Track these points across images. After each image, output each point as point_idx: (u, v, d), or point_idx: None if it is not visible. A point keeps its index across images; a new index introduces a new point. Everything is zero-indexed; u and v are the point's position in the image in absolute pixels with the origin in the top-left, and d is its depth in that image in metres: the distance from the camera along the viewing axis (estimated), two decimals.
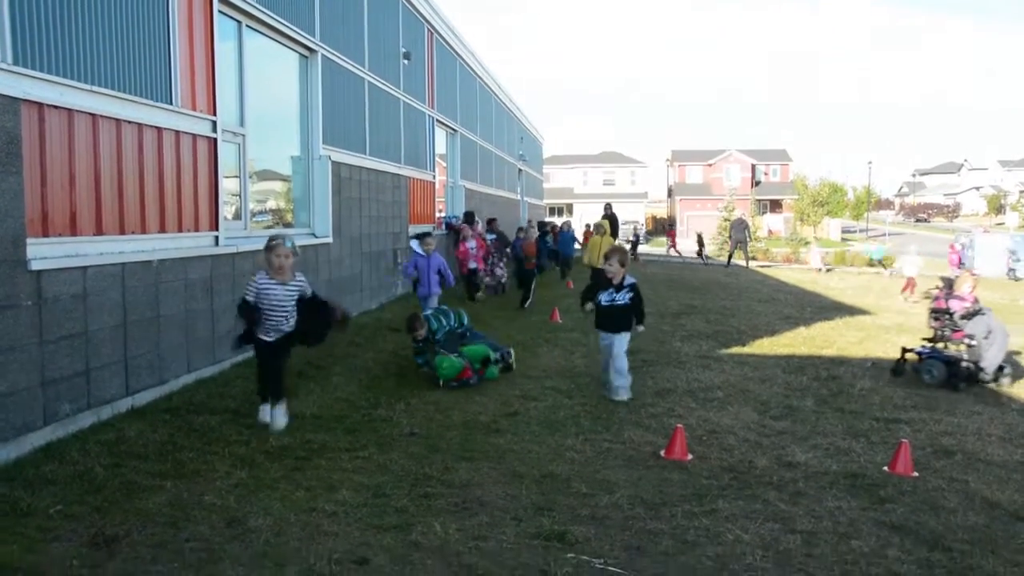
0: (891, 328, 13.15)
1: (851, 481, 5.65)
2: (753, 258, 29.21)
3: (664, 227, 75.54)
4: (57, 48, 5.89)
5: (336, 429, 6.50)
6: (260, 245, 9.17)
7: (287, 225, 11.17)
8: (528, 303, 14.78)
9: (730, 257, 29.28)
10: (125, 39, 6.74)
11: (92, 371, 6.29)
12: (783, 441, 6.60)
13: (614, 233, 23.22)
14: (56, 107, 5.87)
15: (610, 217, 22.93)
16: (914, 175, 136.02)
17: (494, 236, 17.69)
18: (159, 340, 7.20)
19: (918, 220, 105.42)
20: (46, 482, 5.03)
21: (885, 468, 5.92)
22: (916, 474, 5.82)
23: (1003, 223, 77.98)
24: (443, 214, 19.88)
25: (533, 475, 5.57)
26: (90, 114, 6.25)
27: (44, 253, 5.74)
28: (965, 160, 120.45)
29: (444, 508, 4.91)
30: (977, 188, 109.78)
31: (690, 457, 6.06)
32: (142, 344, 6.95)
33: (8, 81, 5.38)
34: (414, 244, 12.11)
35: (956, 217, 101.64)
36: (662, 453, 6.12)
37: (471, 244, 15.94)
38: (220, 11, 8.39)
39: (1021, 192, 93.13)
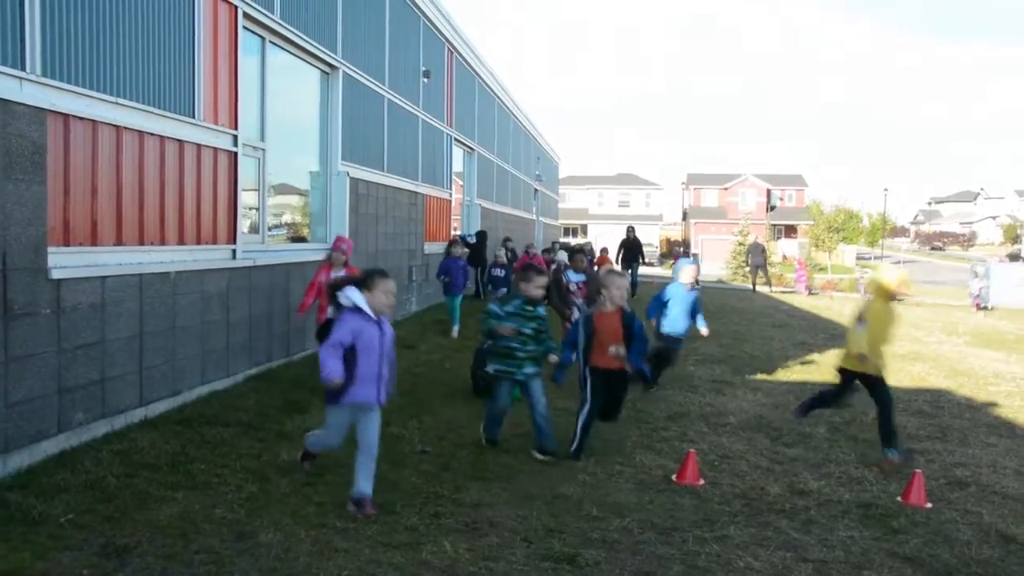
0: (905, 356, 13.07)
1: (864, 510, 5.61)
2: (767, 283, 28.93)
3: (675, 249, 75.49)
4: (84, 60, 5.98)
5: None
6: (277, 259, 9.29)
7: (301, 239, 11.23)
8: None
9: (754, 283, 29.00)
10: (151, 53, 6.83)
11: (107, 380, 6.32)
12: (795, 468, 6.56)
13: (638, 257, 22.90)
14: (81, 118, 5.94)
15: (632, 240, 22.64)
16: (930, 203, 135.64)
17: (582, 278, 11.10)
18: (174, 351, 7.24)
19: (933, 248, 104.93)
20: (58, 490, 5.05)
21: (898, 498, 5.87)
22: (930, 505, 5.77)
23: (1019, 253, 77.44)
24: (458, 232, 19.93)
25: (544, 496, 5.56)
26: (114, 126, 6.32)
27: (64, 262, 5.79)
28: (981, 189, 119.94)
29: (454, 527, 4.90)
30: (993, 217, 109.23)
31: (702, 482, 6.03)
32: (157, 355, 6.99)
33: (36, 92, 5.46)
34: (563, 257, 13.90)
35: (972, 246, 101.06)
36: (674, 477, 6.09)
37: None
38: (245, 27, 8.49)
39: None
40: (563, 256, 15.10)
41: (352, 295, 5.13)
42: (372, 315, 5.13)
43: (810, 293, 28.70)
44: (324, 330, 5.40)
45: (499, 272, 15.62)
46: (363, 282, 5.20)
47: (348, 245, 9.10)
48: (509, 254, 17.02)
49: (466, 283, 13.44)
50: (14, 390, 5.38)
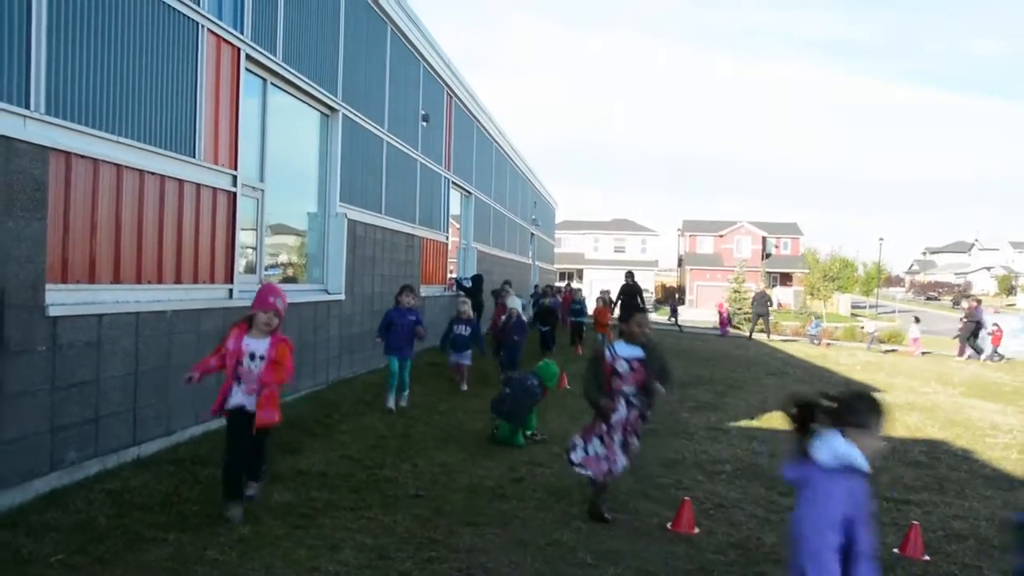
0: (902, 406, 13.04)
1: None
2: (762, 331, 29.10)
3: (672, 296, 75.68)
4: (87, 98, 6.04)
5: (341, 488, 6.45)
6: None
7: (291, 280, 11.24)
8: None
9: (752, 330, 29.30)
10: (153, 92, 6.90)
11: (101, 419, 6.29)
12: (791, 518, 6.50)
13: (638, 304, 22.34)
14: (83, 156, 5.99)
15: (632, 286, 21.66)
16: (924, 253, 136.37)
17: (638, 354, 8.04)
18: (168, 390, 7.21)
19: (928, 298, 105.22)
20: (48, 529, 4.99)
21: (895, 550, 5.82)
22: (928, 558, 5.73)
23: (1014, 304, 77.74)
24: (454, 275, 19.96)
25: (538, 543, 5.50)
26: (115, 164, 6.37)
27: (62, 299, 5.79)
28: (976, 240, 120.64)
29: (447, 573, 4.85)
30: (988, 268, 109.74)
31: (697, 531, 5.98)
32: (151, 394, 6.96)
33: (39, 130, 5.51)
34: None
35: (966, 297, 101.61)
36: (669, 525, 6.04)
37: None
38: (247, 68, 8.59)
39: None
40: (517, 303, 13.79)
41: (840, 446, 3.37)
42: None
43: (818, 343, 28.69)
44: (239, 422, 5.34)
45: (462, 330, 11.85)
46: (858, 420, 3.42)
47: (284, 302, 5.58)
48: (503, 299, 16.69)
49: (412, 345, 10.09)
50: (7, 428, 5.34)
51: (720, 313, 32.31)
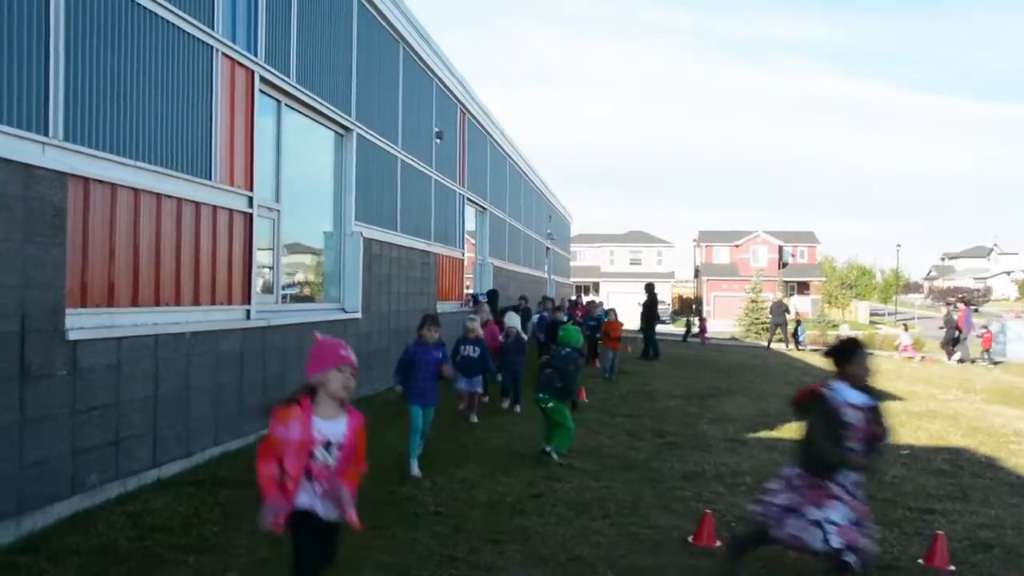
0: (922, 414, 12.92)
1: (884, 573, 5.51)
2: (780, 340, 29.07)
3: (691, 307, 75.43)
4: (104, 124, 6.11)
5: (360, 506, 6.43)
6: (291, 319, 9.33)
7: (308, 299, 11.28)
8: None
9: (770, 340, 29.36)
10: (169, 116, 6.97)
11: (121, 441, 6.33)
12: None
13: (655, 313, 22.44)
14: (101, 181, 6.05)
15: (654, 299, 21.77)
16: (943, 258, 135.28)
17: (866, 403, 5.91)
18: (188, 412, 7.25)
19: (947, 303, 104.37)
20: (70, 553, 5.02)
21: (920, 560, 5.76)
22: (953, 568, 5.66)
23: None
24: (470, 290, 19.99)
25: (558, 559, 5.48)
26: (132, 188, 6.43)
27: (81, 324, 5.84)
28: (995, 244, 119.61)
29: None
30: (1008, 272, 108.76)
31: (719, 544, 5.94)
32: (171, 416, 6.99)
33: (58, 156, 5.57)
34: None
35: (987, 301, 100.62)
36: (690, 539, 6.01)
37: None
38: (261, 90, 8.67)
39: None
40: (515, 320, 12.64)
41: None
42: None
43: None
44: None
45: (471, 351, 10.41)
46: None
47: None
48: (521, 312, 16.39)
49: (437, 388, 8.11)
50: (29, 452, 5.39)
51: (701, 320, 34.77)
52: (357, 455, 3.89)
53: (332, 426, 3.79)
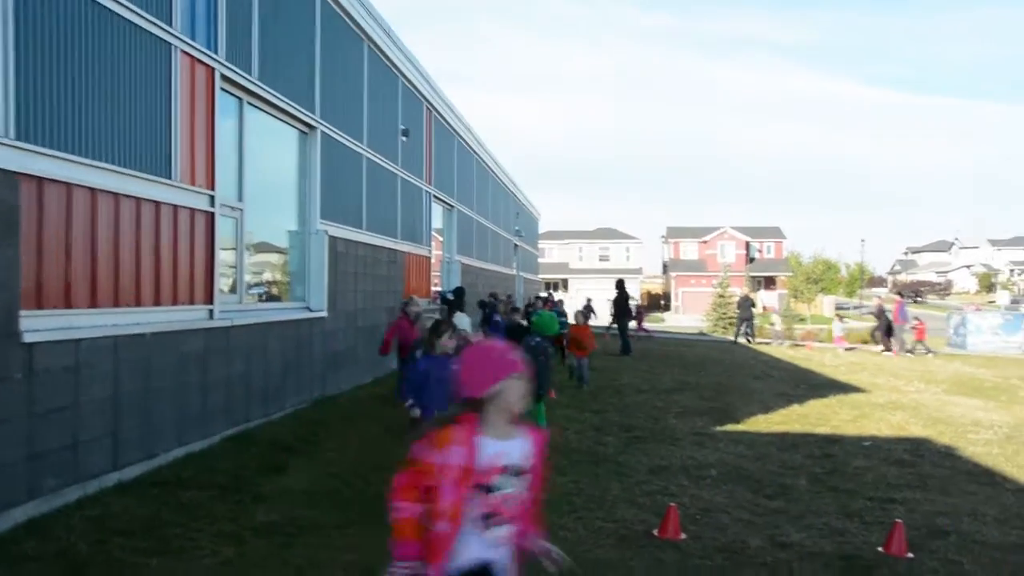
0: (885, 406, 13.10)
1: (845, 562, 5.58)
2: (747, 336, 29.33)
3: (658, 303, 75.90)
4: (59, 122, 6.02)
5: (326, 505, 6.42)
6: (255, 319, 9.26)
7: (274, 298, 11.20)
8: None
9: (736, 335, 29.64)
10: (127, 114, 6.88)
11: (80, 444, 6.24)
12: (777, 520, 6.53)
13: (626, 311, 22.48)
14: (55, 181, 5.95)
15: (624, 295, 21.80)
16: (906, 253, 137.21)
17: None
18: (149, 413, 7.16)
19: (908, 297, 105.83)
20: (28, 559, 4.95)
21: (880, 548, 5.85)
22: (911, 555, 5.75)
23: (994, 301, 78.33)
24: (438, 288, 19.95)
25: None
26: (89, 188, 6.34)
27: (37, 326, 5.75)
28: (956, 239, 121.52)
29: None
30: (968, 266, 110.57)
31: (683, 536, 5.99)
32: (132, 417, 6.91)
33: (9, 155, 5.48)
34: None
35: (948, 295, 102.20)
36: (655, 532, 6.05)
37: None
38: (222, 88, 8.59)
39: (1011, 271, 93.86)
40: (465, 321, 12.32)
41: None
42: None
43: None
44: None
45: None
46: None
47: None
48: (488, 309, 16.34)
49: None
50: None
51: (639, 311, 33.98)
52: (542, 481, 3.10)
53: (512, 446, 2.97)
